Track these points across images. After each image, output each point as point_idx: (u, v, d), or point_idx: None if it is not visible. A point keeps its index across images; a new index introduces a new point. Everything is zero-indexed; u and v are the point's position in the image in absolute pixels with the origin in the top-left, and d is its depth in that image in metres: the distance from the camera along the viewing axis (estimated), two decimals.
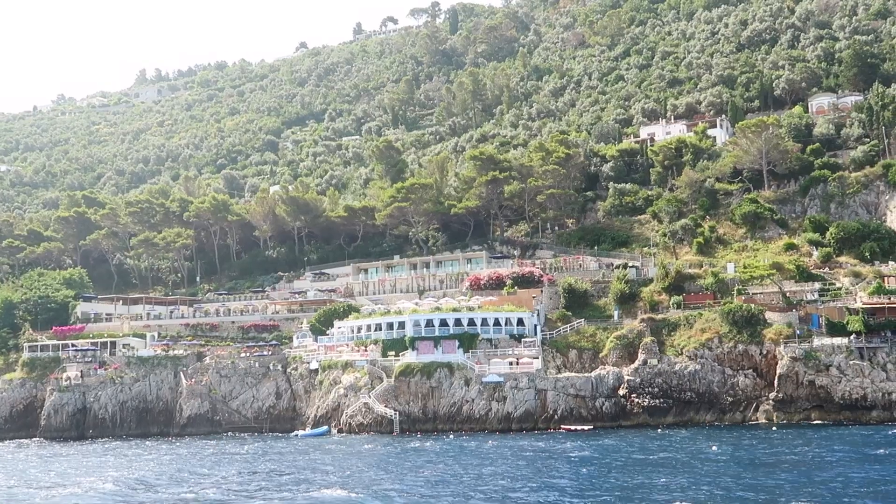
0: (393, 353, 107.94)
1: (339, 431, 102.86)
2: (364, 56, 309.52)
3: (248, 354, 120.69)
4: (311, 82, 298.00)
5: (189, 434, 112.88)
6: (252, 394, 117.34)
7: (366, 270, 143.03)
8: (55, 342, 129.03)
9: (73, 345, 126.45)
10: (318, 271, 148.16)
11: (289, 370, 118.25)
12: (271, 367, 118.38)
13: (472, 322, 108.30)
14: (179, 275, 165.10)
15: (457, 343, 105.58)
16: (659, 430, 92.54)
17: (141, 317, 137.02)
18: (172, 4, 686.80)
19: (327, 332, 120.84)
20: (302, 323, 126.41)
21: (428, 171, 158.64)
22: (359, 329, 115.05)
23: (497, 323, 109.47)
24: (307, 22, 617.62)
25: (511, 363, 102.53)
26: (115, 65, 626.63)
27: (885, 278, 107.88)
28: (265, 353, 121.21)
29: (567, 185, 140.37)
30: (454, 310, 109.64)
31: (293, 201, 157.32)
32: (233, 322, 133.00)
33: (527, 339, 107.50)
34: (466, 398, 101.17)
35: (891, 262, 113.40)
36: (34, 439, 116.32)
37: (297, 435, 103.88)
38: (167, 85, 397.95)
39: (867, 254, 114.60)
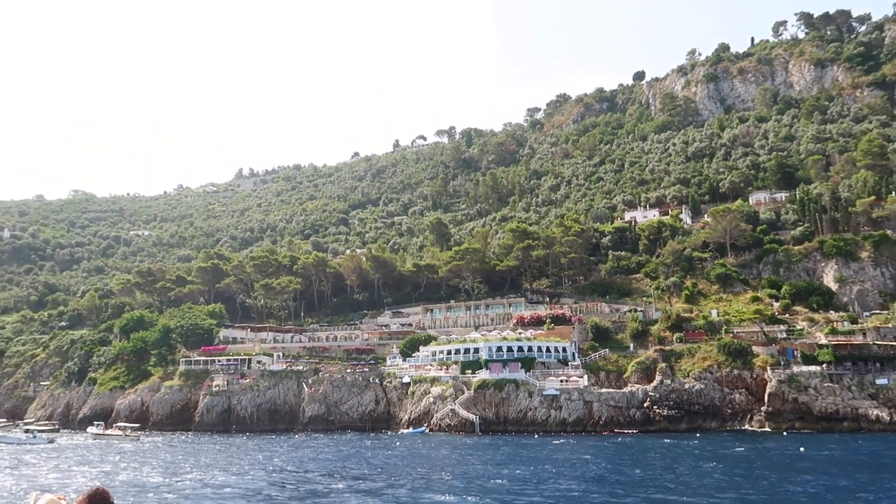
0: (469, 371, 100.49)
1: (430, 430, 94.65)
2: (404, 161, 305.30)
3: (353, 370, 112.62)
4: (367, 179, 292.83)
5: (309, 430, 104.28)
6: (357, 400, 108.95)
7: (431, 310, 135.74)
8: (204, 358, 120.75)
9: (218, 360, 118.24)
10: (394, 310, 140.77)
11: (384, 383, 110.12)
12: (371, 381, 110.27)
13: (530, 349, 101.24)
14: (286, 311, 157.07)
15: (519, 364, 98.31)
16: (698, 435, 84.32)
17: (266, 340, 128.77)
18: (263, 121, 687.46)
19: (413, 354, 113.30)
20: (393, 347, 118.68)
21: (476, 239, 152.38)
22: (441, 353, 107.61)
23: (547, 350, 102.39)
24: (358, 137, 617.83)
25: (562, 380, 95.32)
26: (220, 164, 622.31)
27: (835, 322, 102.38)
28: (366, 369, 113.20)
29: (581, 252, 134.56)
30: (517, 339, 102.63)
31: (375, 259, 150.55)
32: (339, 346, 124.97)
33: (572, 363, 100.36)
34: (530, 406, 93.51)
35: (831, 312, 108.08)
36: (189, 433, 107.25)
37: (402, 433, 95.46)
38: (259, 179, 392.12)
39: (814, 305, 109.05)
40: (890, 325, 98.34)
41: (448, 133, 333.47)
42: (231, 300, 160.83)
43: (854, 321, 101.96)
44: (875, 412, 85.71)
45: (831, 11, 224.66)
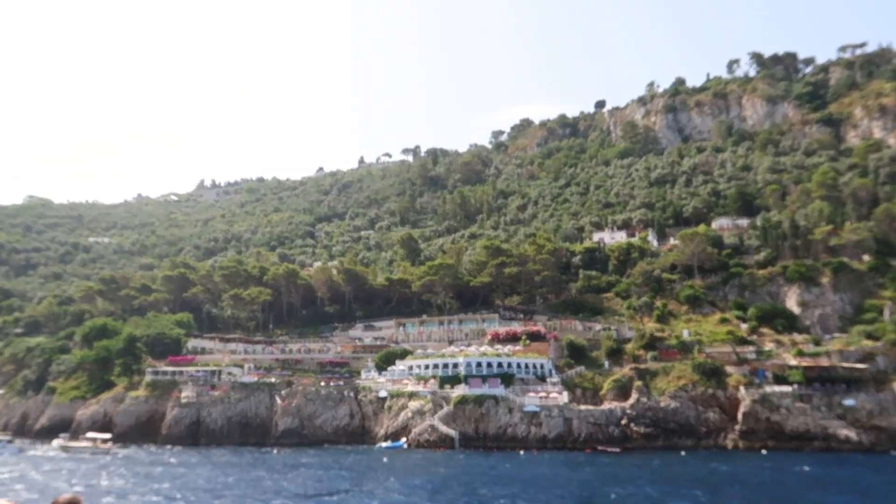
0: (448, 386, 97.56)
1: (410, 445, 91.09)
2: (370, 177, 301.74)
3: (327, 384, 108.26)
4: (333, 193, 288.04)
5: (282, 444, 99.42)
6: (332, 414, 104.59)
7: (404, 324, 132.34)
8: (172, 368, 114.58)
9: (186, 371, 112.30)
10: (366, 323, 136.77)
11: (359, 397, 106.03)
12: (346, 394, 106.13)
13: (509, 365, 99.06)
14: (254, 322, 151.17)
15: (499, 380, 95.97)
16: (683, 453, 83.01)
17: (237, 352, 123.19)
18: (226, 133, 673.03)
19: (389, 368, 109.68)
20: (368, 361, 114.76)
21: (449, 255, 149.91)
22: (419, 367, 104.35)
23: (526, 366, 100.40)
24: (323, 153, 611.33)
25: (541, 397, 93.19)
26: (181, 174, 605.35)
27: (801, 345, 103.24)
28: (340, 383, 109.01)
29: (553, 270, 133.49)
30: (496, 355, 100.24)
31: (347, 272, 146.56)
32: (312, 358, 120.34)
33: (551, 380, 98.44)
34: (510, 423, 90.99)
35: (795, 334, 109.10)
36: (155, 446, 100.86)
37: (380, 447, 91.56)
38: (221, 190, 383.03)
39: (779, 327, 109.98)
40: (852, 349, 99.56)
41: (413, 151, 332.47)
42: (197, 310, 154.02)
43: (818, 343, 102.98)
44: (844, 432, 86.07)
45: (780, 53, 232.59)
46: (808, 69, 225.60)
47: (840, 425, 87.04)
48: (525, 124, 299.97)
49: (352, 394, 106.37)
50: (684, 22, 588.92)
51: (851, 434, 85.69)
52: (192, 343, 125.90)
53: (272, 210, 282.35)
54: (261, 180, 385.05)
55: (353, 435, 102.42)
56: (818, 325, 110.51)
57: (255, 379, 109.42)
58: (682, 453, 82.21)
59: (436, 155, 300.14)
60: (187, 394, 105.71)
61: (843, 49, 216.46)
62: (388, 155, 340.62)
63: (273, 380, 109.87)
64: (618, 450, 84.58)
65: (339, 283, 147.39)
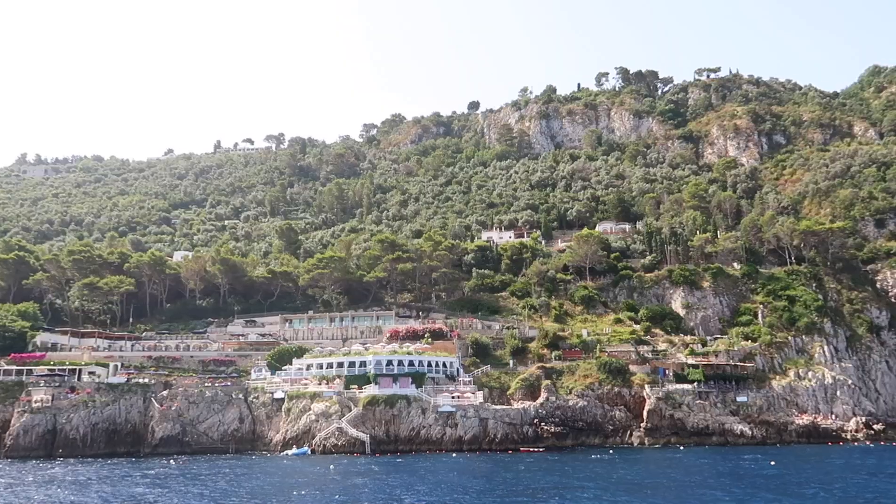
0: (356, 386, 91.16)
1: (314, 452, 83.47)
2: (231, 163, 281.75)
3: (212, 384, 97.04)
4: (190, 178, 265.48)
5: (159, 454, 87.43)
6: (218, 418, 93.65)
7: (291, 321, 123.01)
8: (17, 367, 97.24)
9: (37, 371, 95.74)
10: (247, 319, 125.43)
11: (250, 399, 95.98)
12: (234, 396, 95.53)
13: (420, 363, 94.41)
14: (109, 316, 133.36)
15: (410, 380, 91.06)
16: (611, 451, 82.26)
17: (99, 348, 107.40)
18: (50, 100, 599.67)
19: (283, 368, 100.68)
20: (258, 359, 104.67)
21: (339, 248, 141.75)
22: (320, 366, 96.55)
23: (436, 365, 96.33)
24: (172, 133, 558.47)
25: (455, 396, 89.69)
26: None
27: (691, 345, 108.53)
28: (228, 383, 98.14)
29: (449, 267, 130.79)
30: (407, 353, 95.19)
31: (224, 262, 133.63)
32: (192, 356, 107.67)
33: (462, 379, 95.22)
34: (424, 424, 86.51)
35: (682, 335, 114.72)
36: None
37: (286, 454, 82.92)
38: (50, 167, 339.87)
39: (668, 328, 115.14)
40: (735, 349, 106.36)
41: (277, 139, 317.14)
42: (38, 300, 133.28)
43: (704, 344, 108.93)
44: (739, 427, 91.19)
45: (643, 70, 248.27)
46: (668, 88, 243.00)
47: (735, 421, 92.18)
48: (398, 119, 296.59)
49: (241, 395, 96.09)
50: (557, 31, 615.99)
51: (745, 429, 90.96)
52: (41, 338, 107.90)
53: (117, 192, 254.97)
54: (98, 159, 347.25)
55: (244, 441, 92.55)
56: (700, 326, 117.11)
57: (125, 379, 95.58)
58: (611, 451, 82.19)
59: (304, 144, 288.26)
60: (39, 397, 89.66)
61: (699, 72, 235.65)
62: (250, 141, 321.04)
63: (147, 380, 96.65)
64: (541, 449, 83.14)
65: (214, 274, 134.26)
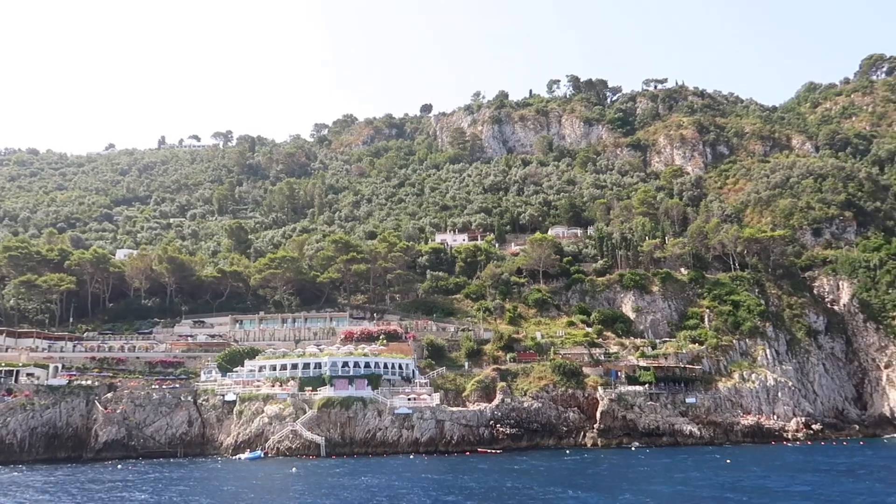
0: (310, 388, 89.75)
1: (268, 455, 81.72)
2: (176, 160, 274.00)
3: (159, 386, 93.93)
4: (133, 174, 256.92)
5: (103, 459, 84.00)
6: (166, 422, 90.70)
7: (241, 321, 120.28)
8: None
9: None
10: (196, 319, 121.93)
11: (199, 401, 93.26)
12: (183, 398, 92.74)
13: (376, 365, 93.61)
14: (47, 315, 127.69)
15: (366, 381, 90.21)
16: (568, 452, 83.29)
17: (37, 349, 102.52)
18: None
19: (234, 369, 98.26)
20: (208, 361, 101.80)
21: (291, 248, 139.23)
22: (273, 368, 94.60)
23: (392, 367, 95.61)
24: (113, 128, 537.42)
25: (411, 398, 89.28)
26: None
27: (642, 347, 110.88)
28: (176, 385, 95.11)
29: (404, 269, 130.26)
30: (363, 355, 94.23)
31: (171, 261, 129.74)
32: (138, 357, 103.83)
33: (418, 381, 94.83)
34: (380, 426, 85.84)
35: (632, 338, 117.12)
36: None
37: (239, 458, 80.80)
38: None
39: (619, 331, 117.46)
40: (683, 351, 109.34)
41: (225, 136, 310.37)
42: None
43: (654, 347, 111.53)
44: (688, 428, 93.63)
45: (594, 79, 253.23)
46: (617, 97, 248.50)
47: (684, 421, 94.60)
48: (349, 120, 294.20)
49: (190, 398, 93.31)
50: (510, 37, 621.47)
51: (694, 429, 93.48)
52: None
53: (55, 187, 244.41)
54: (33, 152, 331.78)
55: (193, 445, 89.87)
56: (650, 329, 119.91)
57: (67, 381, 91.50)
58: (567, 452, 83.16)
59: (253, 143, 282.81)
60: None
61: (647, 82, 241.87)
62: (197, 138, 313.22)
63: (90, 382, 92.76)
64: (499, 451, 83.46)
65: (160, 273, 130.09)
